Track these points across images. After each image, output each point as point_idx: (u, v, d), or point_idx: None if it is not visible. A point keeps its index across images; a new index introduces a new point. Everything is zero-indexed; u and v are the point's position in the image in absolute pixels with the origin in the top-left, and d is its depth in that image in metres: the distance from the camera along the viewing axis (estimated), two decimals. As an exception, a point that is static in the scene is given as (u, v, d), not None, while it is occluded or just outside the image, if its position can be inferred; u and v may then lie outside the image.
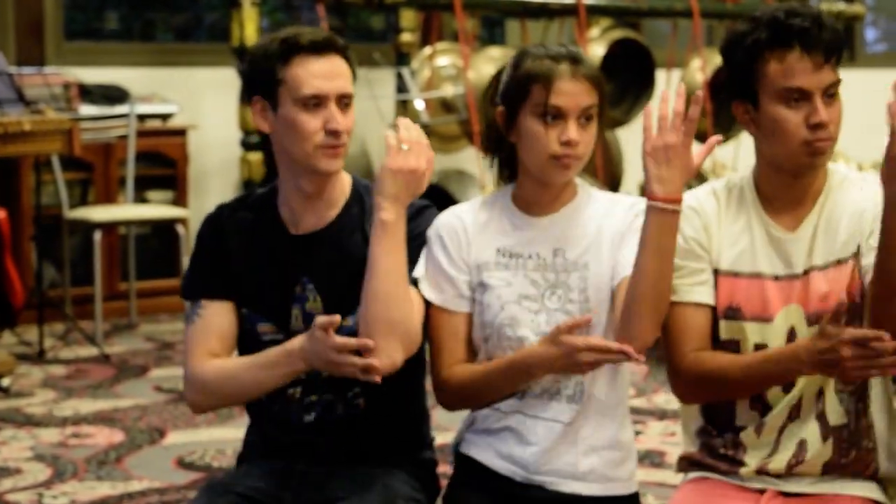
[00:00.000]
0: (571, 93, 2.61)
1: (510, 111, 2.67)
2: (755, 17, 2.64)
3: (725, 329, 2.68)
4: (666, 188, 2.54)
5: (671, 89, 7.58)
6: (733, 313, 2.67)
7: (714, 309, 2.68)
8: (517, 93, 2.65)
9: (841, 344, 2.43)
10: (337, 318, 2.54)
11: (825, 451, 2.65)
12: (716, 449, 2.73)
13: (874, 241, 2.55)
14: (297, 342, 2.62)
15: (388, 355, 2.58)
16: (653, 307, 2.56)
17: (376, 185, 2.61)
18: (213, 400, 2.77)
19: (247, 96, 2.80)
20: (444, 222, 2.74)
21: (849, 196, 2.67)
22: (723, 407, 2.72)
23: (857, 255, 2.63)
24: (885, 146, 2.44)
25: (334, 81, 2.66)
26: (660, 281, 2.55)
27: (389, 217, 2.58)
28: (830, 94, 2.60)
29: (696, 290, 2.68)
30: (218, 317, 2.75)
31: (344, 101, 2.67)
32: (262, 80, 2.69)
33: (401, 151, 2.59)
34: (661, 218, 2.54)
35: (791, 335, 2.64)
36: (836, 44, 2.59)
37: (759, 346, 2.66)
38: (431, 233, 2.74)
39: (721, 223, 2.71)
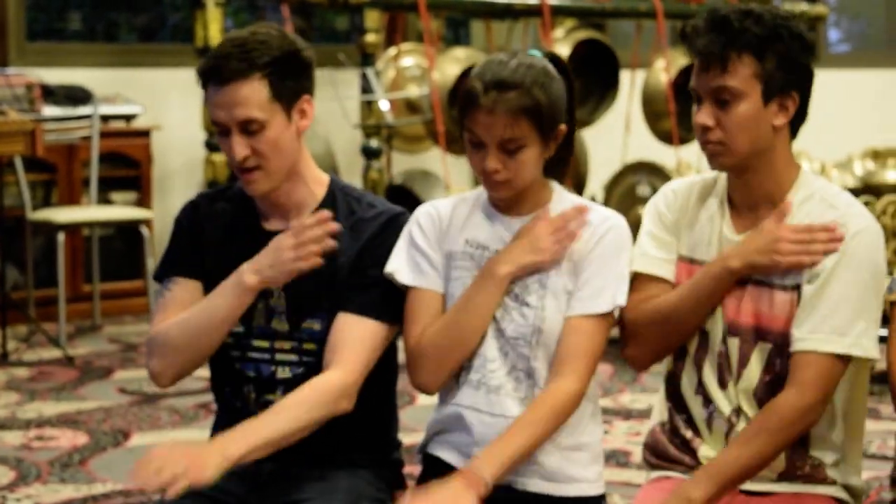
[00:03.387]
0: (487, 125, 2.58)
1: (460, 123, 2.68)
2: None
3: None
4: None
5: (636, 89, 7.61)
6: None
7: (672, 287, 2.71)
8: (459, 107, 2.66)
9: (779, 227, 2.50)
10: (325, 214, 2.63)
11: (777, 462, 2.64)
12: (678, 430, 2.73)
13: (807, 289, 2.56)
14: (248, 262, 2.68)
15: (331, 417, 2.65)
16: None
17: (265, 271, 2.65)
18: (171, 355, 2.73)
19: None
20: (423, 212, 2.75)
21: (806, 218, 2.62)
22: (674, 383, 2.74)
23: (797, 290, 2.60)
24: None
25: (232, 111, 2.63)
26: None
27: (253, 285, 2.67)
28: (721, 98, 2.58)
29: (664, 266, 2.71)
30: (187, 293, 2.76)
31: (249, 126, 2.64)
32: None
33: (304, 253, 2.64)
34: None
35: (731, 328, 2.65)
36: (724, 49, 2.55)
37: (703, 332, 2.68)
38: (410, 222, 2.74)
39: (689, 213, 2.73)
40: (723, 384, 2.67)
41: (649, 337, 2.70)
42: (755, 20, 2.57)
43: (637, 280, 2.70)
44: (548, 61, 2.68)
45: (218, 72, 2.63)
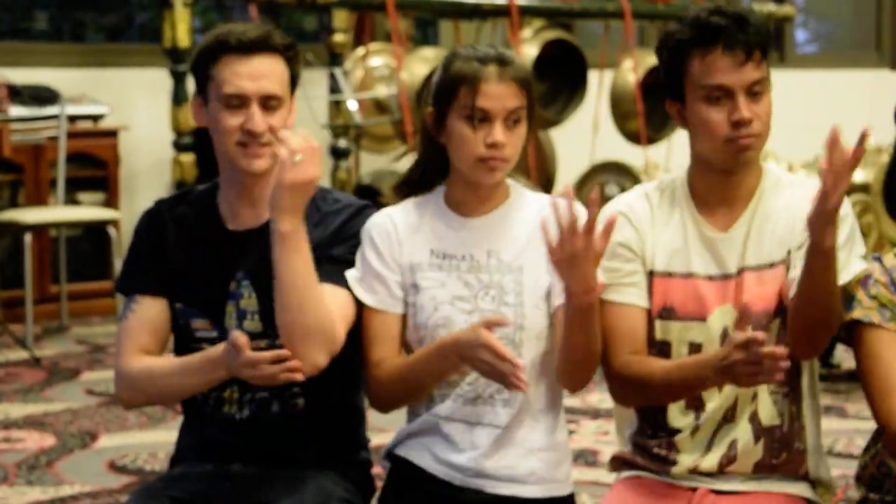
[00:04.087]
0: (497, 95, 2.61)
1: (439, 113, 2.67)
2: (682, 18, 2.67)
3: (660, 330, 2.69)
4: (582, 286, 2.49)
5: (604, 90, 7.63)
6: (667, 313, 2.69)
7: (649, 311, 2.69)
8: (445, 95, 2.65)
9: (734, 349, 2.42)
10: (245, 338, 2.53)
11: (756, 451, 2.67)
12: (649, 449, 2.74)
13: (802, 253, 2.58)
14: (217, 351, 2.63)
15: (310, 360, 2.59)
16: (586, 366, 2.63)
17: (272, 199, 2.57)
18: (142, 397, 2.78)
19: (177, 96, 2.79)
20: (376, 223, 2.74)
21: (782, 198, 2.69)
22: (657, 409, 2.74)
23: (786, 260, 2.65)
24: (817, 201, 2.43)
25: (257, 82, 2.65)
26: (592, 349, 2.59)
27: (288, 228, 2.56)
28: (755, 91, 2.61)
29: (628, 290, 2.69)
30: (151, 312, 2.74)
31: (270, 102, 2.66)
32: (197, 77, 2.72)
33: (294, 164, 2.54)
34: (586, 312, 2.53)
35: (725, 335, 2.65)
36: (759, 41, 2.61)
37: (694, 346, 2.67)
38: (364, 234, 2.73)
39: (654, 225, 2.72)
40: (721, 387, 2.67)
41: (635, 397, 2.73)
42: (758, 17, 2.64)
43: (612, 314, 2.68)
44: None
45: (241, 41, 2.65)
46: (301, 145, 2.55)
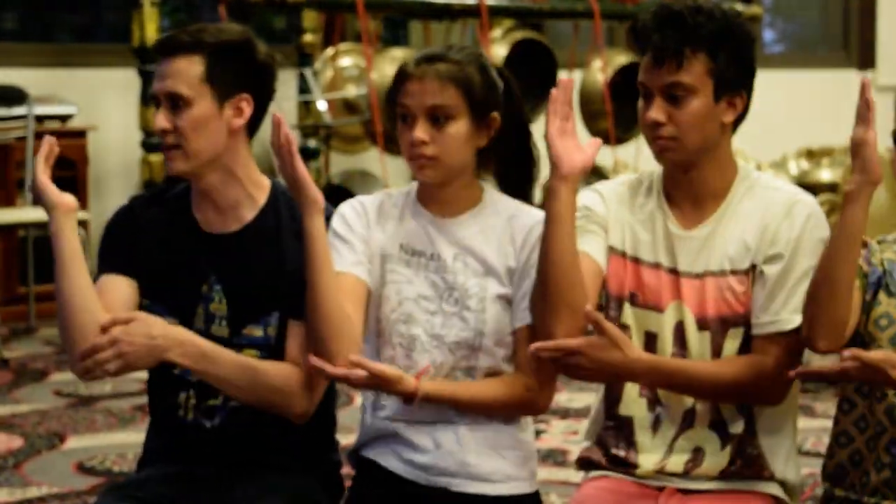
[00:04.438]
0: (416, 92, 2.60)
1: (391, 114, 2.69)
2: (635, 16, 2.69)
3: (626, 314, 2.70)
4: (569, 159, 2.55)
5: (573, 89, 7.65)
6: (633, 299, 2.70)
7: (600, 270, 2.69)
8: (390, 96, 2.68)
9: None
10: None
11: (722, 459, 2.67)
12: (609, 448, 2.74)
13: (769, 270, 2.60)
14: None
15: (293, 414, 2.67)
16: (570, 308, 2.58)
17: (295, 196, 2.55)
18: (64, 332, 2.65)
19: (145, 97, 2.80)
20: (347, 205, 2.75)
21: (753, 206, 2.68)
22: (610, 390, 2.74)
23: (752, 270, 2.65)
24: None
25: (163, 82, 2.67)
26: (572, 276, 2.57)
27: (312, 229, 2.54)
28: (673, 94, 2.59)
29: (586, 239, 2.68)
30: (112, 288, 2.72)
31: (177, 101, 2.65)
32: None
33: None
34: (567, 187, 2.55)
35: (679, 328, 2.67)
36: (679, 45, 2.57)
37: (650, 335, 2.68)
38: (334, 216, 2.72)
39: (624, 208, 2.73)
40: None
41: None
42: (708, 17, 2.59)
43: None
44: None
45: (165, 44, 2.68)
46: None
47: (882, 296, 2.63)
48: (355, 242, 2.69)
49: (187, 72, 2.65)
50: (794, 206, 2.65)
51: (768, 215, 2.65)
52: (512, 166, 2.76)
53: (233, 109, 2.70)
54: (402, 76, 2.64)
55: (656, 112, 2.60)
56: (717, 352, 2.66)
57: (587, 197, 2.74)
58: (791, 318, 2.61)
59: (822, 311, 2.52)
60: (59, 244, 2.62)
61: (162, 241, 2.76)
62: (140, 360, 2.58)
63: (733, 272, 2.65)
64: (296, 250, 2.64)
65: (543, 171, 2.67)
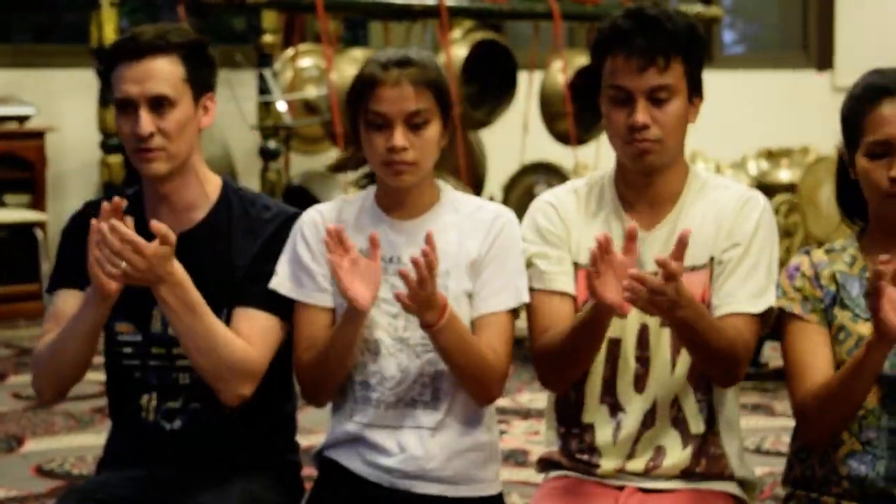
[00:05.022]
0: (393, 99, 2.60)
1: (352, 118, 2.68)
2: (596, 17, 2.70)
3: None
4: (434, 312, 2.55)
5: (533, 90, 7.65)
6: None
7: (574, 299, 2.71)
8: (353, 101, 2.66)
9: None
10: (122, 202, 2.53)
11: (683, 458, 2.68)
12: (572, 452, 2.75)
13: (726, 256, 2.63)
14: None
15: (231, 394, 2.63)
16: (480, 382, 2.66)
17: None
18: (45, 371, 2.70)
19: (104, 98, 2.77)
20: (306, 219, 2.74)
21: (708, 202, 2.71)
22: (571, 402, 2.75)
23: (711, 262, 2.67)
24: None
25: (143, 85, 2.62)
26: (474, 363, 2.62)
27: (165, 294, 2.55)
28: (657, 97, 2.61)
29: (555, 278, 2.71)
30: (72, 305, 2.71)
31: (161, 103, 2.63)
32: (108, 81, 2.70)
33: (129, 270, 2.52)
34: (447, 328, 2.57)
35: (643, 331, 2.68)
36: (666, 47, 2.60)
37: (614, 340, 2.69)
38: (294, 230, 2.73)
39: (580, 219, 2.74)
40: (640, 387, 2.69)
41: (554, 367, 2.71)
42: (678, 21, 2.63)
43: (542, 297, 2.71)
44: None
45: (133, 46, 2.63)
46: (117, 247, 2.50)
47: (837, 310, 2.64)
48: (315, 269, 2.69)
49: (170, 72, 2.64)
50: (746, 202, 2.68)
51: (722, 214, 2.68)
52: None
53: (202, 108, 2.70)
54: (371, 82, 2.62)
55: (643, 115, 2.61)
56: (677, 349, 2.67)
57: (543, 216, 2.74)
58: (748, 302, 2.63)
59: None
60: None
61: None
62: (137, 274, 2.53)
63: (693, 269, 2.66)
64: (246, 245, 2.68)
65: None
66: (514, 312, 2.70)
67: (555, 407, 2.79)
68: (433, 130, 2.64)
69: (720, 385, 2.68)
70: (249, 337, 2.66)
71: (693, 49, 2.65)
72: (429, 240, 2.50)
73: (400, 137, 2.60)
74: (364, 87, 2.63)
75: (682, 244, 2.44)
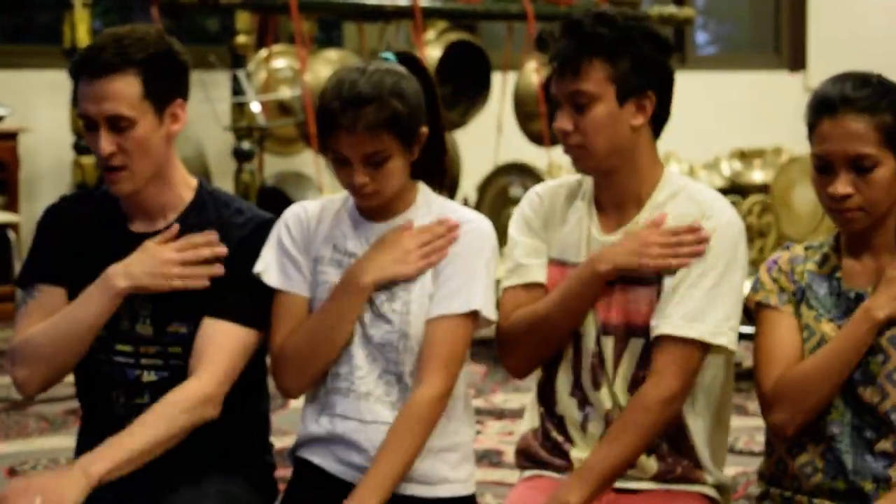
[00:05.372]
0: (350, 144, 2.58)
1: (322, 140, 2.66)
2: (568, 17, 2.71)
3: None
4: None
5: (507, 91, 7.66)
6: None
7: (546, 290, 2.72)
8: (319, 126, 2.64)
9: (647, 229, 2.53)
10: (175, 228, 2.57)
11: (650, 465, 2.69)
12: (548, 432, 2.75)
13: (666, 280, 2.62)
14: (115, 265, 2.63)
15: (199, 424, 2.63)
16: None
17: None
18: (37, 363, 2.70)
19: (76, 100, 2.76)
20: (291, 213, 2.75)
21: (675, 211, 2.68)
22: (548, 388, 2.76)
23: (659, 283, 2.64)
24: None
25: (100, 105, 2.60)
26: None
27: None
28: (577, 103, 2.61)
29: (533, 269, 2.73)
30: (51, 300, 2.71)
31: (118, 123, 2.61)
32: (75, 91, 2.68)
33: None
34: None
35: (599, 335, 2.68)
36: (576, 55, 2.59)
37: (578, 335, 2.70)
38: (279, 223, 2.73)
39: (560, 214, 2.75)
40: (597, 385, 2.70)
41: (524, 344, 2.73)
42: (607, 24, 2.61)
43: (514, 291, 2.73)
44: (401, 64, 2.68)
45: (91, 64, 2.60)
46: (198, 255, 2.61)
47: (803, 308, 2.66)
48: (298, 258, 2.71)
49: (126, 92, 2.60)
50: (702, 219, 2.65)
51: (683, 223, 2.66)
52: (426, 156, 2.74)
53: (170, 117, 2.68)
54: (330, 122, 2.58)
55: (562, 121, 2.63)
56: (617, 359, 2.68)
57: (530, 206, 2.77)
58: (682, 326, 2.60)
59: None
60: None
61: (89, 239, 2.75)
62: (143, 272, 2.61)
63: (640, 282, 2.65)
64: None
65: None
66: (470, 318, 2.66)
67: (537, 394, 2.80)
68: (394, 164, 2.62)
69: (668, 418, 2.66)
70: (208, 352, 2.64)
71: (624, 51, 2.60)
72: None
73: (360, 176, 2.60)
74: (324, 122, 2.61)
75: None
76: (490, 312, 2.66)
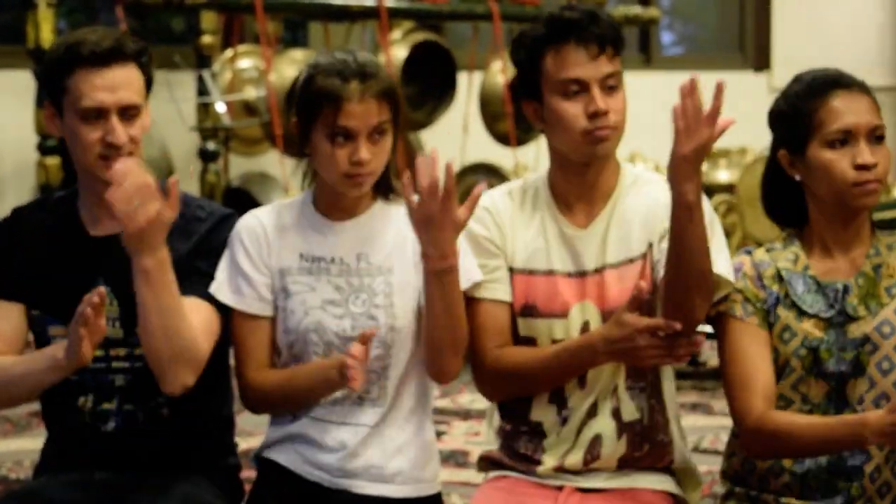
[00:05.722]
0: (360, 114, 2.59)
1: (303, 126, 2.66)
2: (537, 18, 2.71)
3: (523, 326, 2.72)
4: (438, 250, 2.52)
5: (473, 91, 7.66)
6: (530, 311, 2.72)
7: (512, 305, 2.72)
8: (308, 111, 2.64)
9: (636, 333, 2.49)
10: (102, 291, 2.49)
11: (620, 446, 2.71)
12: (516, 449, 2.76)
13: (665, 244, 2.62)
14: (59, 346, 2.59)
15: (178, 382, 2.58)
16: (453, 348, 2.62)
17: (127, 244, 2.51)
18: None
19: (40, 100, 2.75)
20: (245, 225, 2.73)
21: (640, 196, 2.74)
22: (519, 402, 2.75)
23: (647, 253, 2.69)
24: (672, 147, 2.49)
25: (116, 94, 2.61)
26: (456, 326, 2.61)
27: (151, 264, 2.52)
28: (609, 85, 2.65)
29: (494, 287, 2.72)
30: (7, 314, 2.70)
31: (129, 112, 2.62)
32: (50, 87, 2.66)
33: (134, 211, 2.47)
34: (441, 277, 2.55)
35: (585, 329, 2.70)
36: (612, 36, 2.65)
37: (556, 342, 2.70)
38: (233, 236, 2.72)
39: (516, 223, 2.76)
40: (583, 384, 2.71)
41: (508, 388, 2.74)
42: (605, 15, 2.67)
43: (479, 311, 2.72)
44: None
45: (96, 54, 2.60)
46: (135, 187, 2.49)
47: (781, 310, 2.66)
48: (256, 277, 2.69)
49: (135, 81, 2.64)
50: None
51: (657, 203, 2.70)
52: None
53: (146, 113, 2.69)
54: (334, 96, 2.59)
55: (602, 102, 2.63)
56: None
57: (480, 223, 2.75)
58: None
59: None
60: None
61: (47, 248, 2.73)
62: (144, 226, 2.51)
63: (631, 260, 2.69)
64: (179, 245, 2.66)
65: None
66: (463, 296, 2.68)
67: (499, 405, 2.80)
68: (389, 139, 2.66)
69: (685, 332, 2.60)
70: (201, 327, 2.64)
71: (621, 44, 2.69)
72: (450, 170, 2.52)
73: (365, 151, 2.60)
74: (324, 99, 2.61)
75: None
76: (478, 274, 2.70)
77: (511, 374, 2.70)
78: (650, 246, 2.70)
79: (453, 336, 2.61)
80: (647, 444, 2.73)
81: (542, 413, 2.74)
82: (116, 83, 2.61)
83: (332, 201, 2.72)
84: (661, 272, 2.65)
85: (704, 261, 2.54)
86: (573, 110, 2.65)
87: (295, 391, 2.67)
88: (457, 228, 2.52)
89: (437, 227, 2.50)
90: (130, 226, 2.48)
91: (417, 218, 2.51)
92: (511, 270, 2.74)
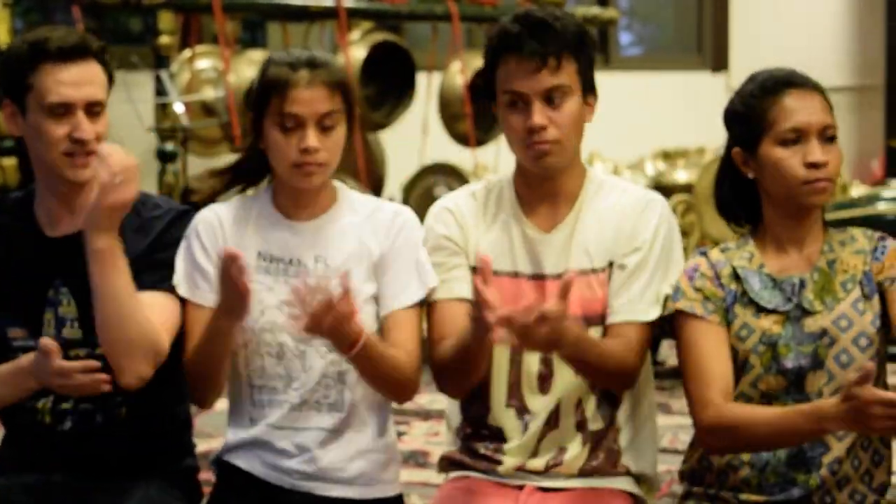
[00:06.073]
0: (307, 100, 2.60)
1: (256, 119, 2.67)
2: (495, 18, 2.71)
3: None
4: (345, 343, 2.52)
5: (432, 92, 7.67)
6: None
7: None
8: (259, 101, 2.65)
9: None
10: (55, 345, 2.49)
11: (582, 454, 2.71)
12: (476, 450, 2.76)
13: (628, 261, 2.65)
14: (27, 360, 2.58)
15: (134, 372, 2.57)
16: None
17: (88, 219, 2.52)
18: None
19: (-1, 98, 2.73)
20: (202, 218, 2.73)
21: (605, 204, 2.73)
22: (477, 402, 2.75)
23: (609, 267, 2.69)
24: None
25: (82, 90, 2.61)
26: (386, 380, 2.66)
27: (105, 245, 2.53)
28: (552, 98, 2.63)
29: (453, 286, 2.72)
30: None
31: (94, 108, 2.63)
32: (11, 85, 2.64)
33: (115, 185, 2.50)
34: (355, 357, 2.55)
35: None
36: (558, 48, 2.62)
37: (512, 351, 2.70)
38: (189, 229, 2.71)
39: (479, 223, 2.75)
40: (544, 389, 2.71)
41: (459, 376, 2.72)
42: (566, 22, 2.64)
43: (438, 307, 2.72)
44: None
45: (61, 49, 2.60)
46: (121, 165, 2.50)
47: (738, 308, 2.67)
48: (208, 268, 2.68)
49: (99, 77, 2.65)
50: (646, 206, 2.71)
51: (623, 217, 2.70)
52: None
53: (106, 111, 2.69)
54: (281, 84, 2.60)
55: (540, 117, 2.62)
56: None
57: (441, 223, 2.75)
58: (645, 310, 2.66)
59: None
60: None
61: (4, 249, 2.72)
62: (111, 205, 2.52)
63: (593, 271, 2.69)
64: (136, 244, 2.66)
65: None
66: (422, 305, 2.71)
67: (461, 409, 2.80)
68: (341, 132, 2.65)
69: (617, 390, 2.71)
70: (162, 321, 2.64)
71: (583, 48, 2.67)
72: (344, 283, 2.45)
73: (313, 139, 2.60)
74: (273, 88, 2.62)
75: (566, 288, 2.43)
76: (435, 280, 2.70)
77: (445, 361, 2.69)
78: (611, 265, 2.69)
79: (391, 382, 2.66)
80: (602, 452, 2.72)
81: (501, 418, 2.74)
82: (83, 79, 2.61)
83: (290, 199, 2.72)
84: (617, 295, 2.66)
85: (601, 363, 2.62)
86: (516, 123, 2.65)
87: (204, 343, 2.64)
88: (349, 319, 2.48)
89: (336, 329, 2.48)
90: (107, 198, 2.49)
91: (317, 333, 2.48)
92: (474, 270, 2.73)
